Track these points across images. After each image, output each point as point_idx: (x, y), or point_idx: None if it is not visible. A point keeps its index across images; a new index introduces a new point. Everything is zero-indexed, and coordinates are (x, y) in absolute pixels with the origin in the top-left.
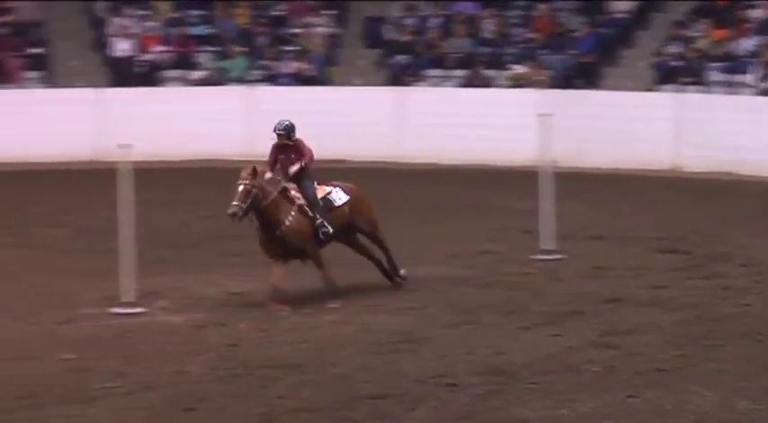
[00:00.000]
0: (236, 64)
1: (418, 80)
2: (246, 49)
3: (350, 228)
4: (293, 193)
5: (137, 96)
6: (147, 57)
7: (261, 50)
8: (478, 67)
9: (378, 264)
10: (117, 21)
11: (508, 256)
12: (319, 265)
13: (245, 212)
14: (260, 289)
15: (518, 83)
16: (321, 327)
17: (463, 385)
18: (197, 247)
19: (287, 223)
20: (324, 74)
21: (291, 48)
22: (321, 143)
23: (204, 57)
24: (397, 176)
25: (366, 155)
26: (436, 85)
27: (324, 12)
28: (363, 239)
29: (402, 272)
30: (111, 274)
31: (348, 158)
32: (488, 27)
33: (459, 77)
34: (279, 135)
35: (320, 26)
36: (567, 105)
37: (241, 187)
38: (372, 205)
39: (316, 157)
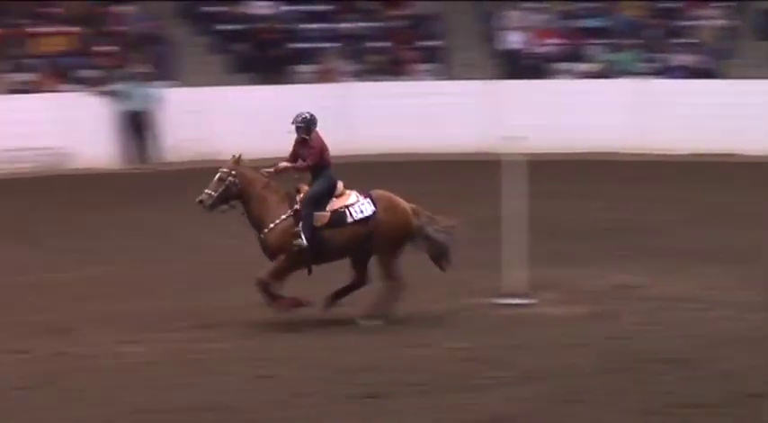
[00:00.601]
0: (626, 57)
1: None
2: (637, 41)
3: (366, 249)
4: (302, 195)
5: (526, 88)
6: (538, 49)
7: (652, 43)
8: None
9: (348, 289)
10: (510, 14)
11: None
12: (277, 272)
13: (217, 202)
14: (651, 282)
15: None
16: (710, 321)
17: None
18: (588, 240)
19: (270, 226)
20: (717, 67)
21: (684, 40)
22: (709, 137)
23: (595, 49)
24: None
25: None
26: None
27: (718, 4)
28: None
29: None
30: (498, 265)
31: (738, 152)
32: None
33: None
34: (297, 128)
35: (714, 18)
36: None
37: (217, 174)
38: (406, 228)
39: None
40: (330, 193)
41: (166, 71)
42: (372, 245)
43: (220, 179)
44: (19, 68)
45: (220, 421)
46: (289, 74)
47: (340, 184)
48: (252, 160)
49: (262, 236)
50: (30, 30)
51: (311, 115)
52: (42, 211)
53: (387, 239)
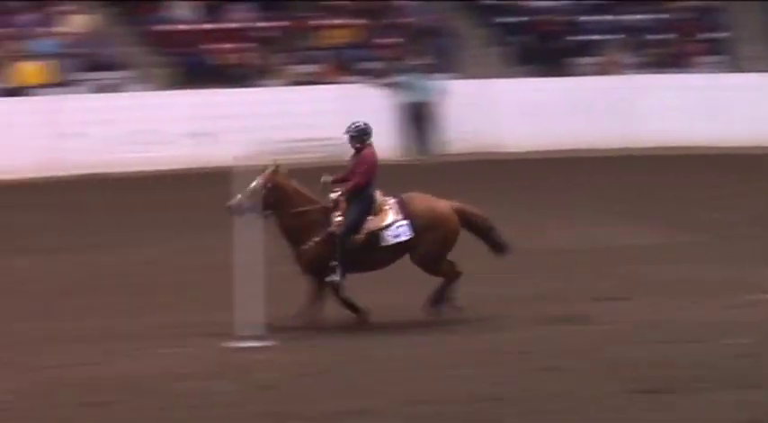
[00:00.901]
0: None
1: None
2: None
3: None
4: (339, 215)
5: None
6: None
7: None
8: None
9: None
10: None
11: None
12: (311, 299)
13: (247, 210)
14: None
15: None
16: None
17: None
18: None
19: (305, 246)
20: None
21: None
22: None
23: None
24: None
25: None
26: None
27: None
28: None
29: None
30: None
31: None
32: None
33: None
34: (350, 138)
35: None
36: None
37: (253, 183)
38: (448, 236)
39: None
40: (367, 214)
41: (448, 63)
42: (416, 257)
43: (254, 189)
44: (303, 60)
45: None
46: (570, 66)
47: (378, 196)
48: (531, 152)
49: (295, 251)
50: (314, 22)
51: (365, 125)
52: None
53: (432, 254)
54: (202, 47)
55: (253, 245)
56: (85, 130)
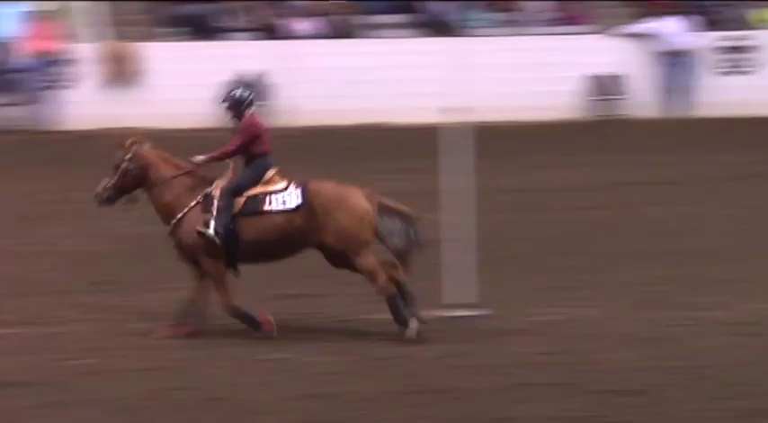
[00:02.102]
0: None
1: None
2: None
3: (315, 245)
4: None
5: None
6: None
7: None
8: None
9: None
10: None
11: None
12: (217, 285)
13: (114, 195)
14: None
15: None
16: None
17: None
18: None
19: (178, 216)
20: None
21: None
22: None
23: None
24: None
25: None
26: None
27: None
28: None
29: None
30: None
31: None
32: None
33: None
34: (226, 109)
35: None
36: None
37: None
38: (357, 215)
39: None
40: (255, 182)
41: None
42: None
43: (115, 167)
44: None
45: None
46: None
47: (271, 172)
48: None
49: (169, 229)
50: None
51: (241, 94)
52: None
53: (336, 240)
54: None
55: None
56: None
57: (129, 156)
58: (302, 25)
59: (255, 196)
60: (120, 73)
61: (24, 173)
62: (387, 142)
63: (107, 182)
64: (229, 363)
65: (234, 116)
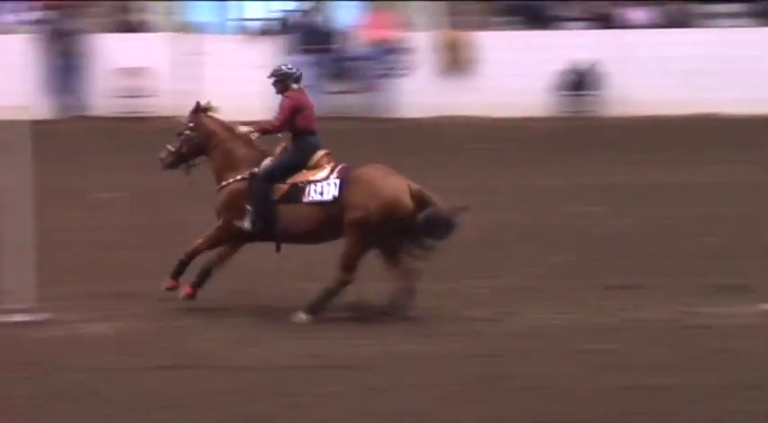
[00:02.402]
0: None
1: None
2: None
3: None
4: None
5: None
6: None
7: None
8: None
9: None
10: None
11: None
12: (207, 238)
13: (178, 160)
14: None
15: None
16: None
17: None
18: None
19: (222, 184)
20: None
21: None
22: None
23: None
24: None
25: None
26: None
27: None
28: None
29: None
30: None
31: None
32: None
33: None
34: (273, 84)
35: None
36: None
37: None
38: (384, 200)
39: None
40: (299, 165)
41: None
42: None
43: (178, 133)
44: None
45: None
46: None
47: (319, 154)
48: None
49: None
50: None
51: (288, 68)
52: None
53: (356, 227)
54: None
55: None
56: None
57: (191, 124)
58: (637, 14)
59: (297, 185)
60: (455, 61)
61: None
62: (717, 133)
63: (168, 148)
64: (557, 353)
65: (279, 91)
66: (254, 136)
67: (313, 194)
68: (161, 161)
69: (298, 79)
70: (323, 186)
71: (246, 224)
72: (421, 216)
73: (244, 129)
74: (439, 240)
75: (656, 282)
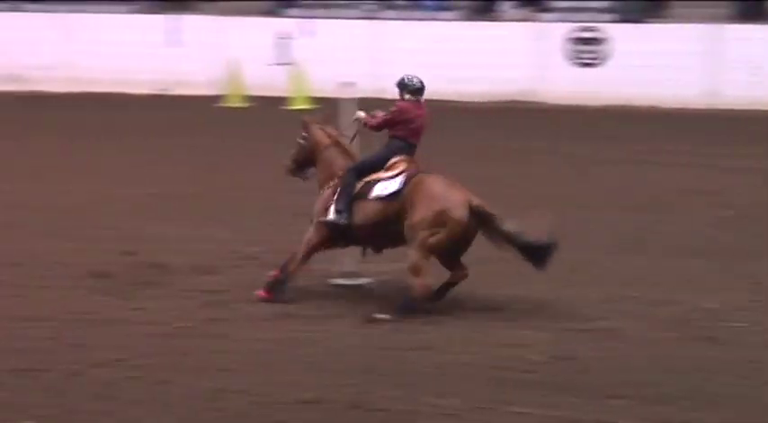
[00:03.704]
0: None
1: None
2: None
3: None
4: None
5: None
6: None
7: None
8: None
9: (444, 287)
10: None
11: None
12: (302, 252)
13: (297, 168)
14: None
15: None
16: None
17: None
18: None
19: (320, 192)
20: None
21: None
22: None
23: None
24: None
25: None
26: None
27: None
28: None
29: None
30: None
31: None
32: None
33: None
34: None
35: None
36: None
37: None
38: (433, 210)
39: None
40: (381, 162)
41: None
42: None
43: (296, 143)
44: None
45: None
46: None
47: (401, 157)
48: None
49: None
50: None
51: (408, 80)
52: None
53: (411, 232)
54: None
55: None
56: None
57: (304, 134)
58: None
59: (370, 181)
60: None
61: None
62: None
63: (289, 156)
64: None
65: (400, 98)
66: (352, 140)
67: (377, 190)
68: (284, 167)
69: (413, 91)
70: (388, 184)
71: (332, 216)
72: (515, 247)
73: (361, 114)
74: (541, 265)
75: None
